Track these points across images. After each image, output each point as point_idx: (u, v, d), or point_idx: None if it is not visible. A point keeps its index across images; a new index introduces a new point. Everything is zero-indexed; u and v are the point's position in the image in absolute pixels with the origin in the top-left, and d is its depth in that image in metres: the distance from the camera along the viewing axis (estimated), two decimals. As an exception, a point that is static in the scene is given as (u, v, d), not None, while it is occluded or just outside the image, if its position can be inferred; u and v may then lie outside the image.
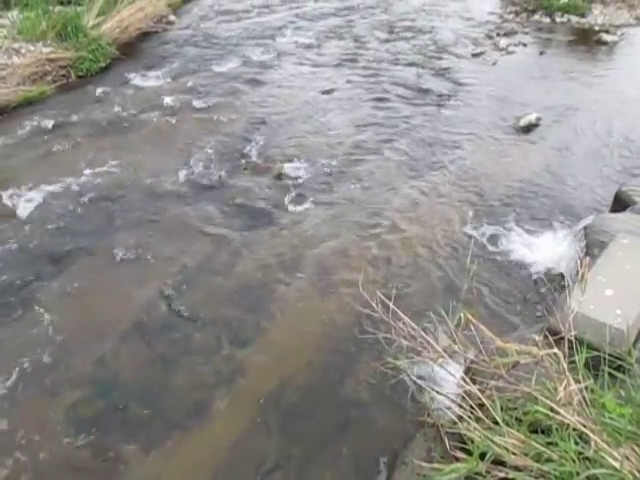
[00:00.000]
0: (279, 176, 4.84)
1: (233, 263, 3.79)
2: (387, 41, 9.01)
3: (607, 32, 8.99)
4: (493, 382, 2.01)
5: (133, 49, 8.63)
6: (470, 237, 3.92)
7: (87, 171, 4.91)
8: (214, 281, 3.64)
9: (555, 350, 1.90)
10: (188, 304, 3.42)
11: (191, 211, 4.38)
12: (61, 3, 8.70)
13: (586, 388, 1.86)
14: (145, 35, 9.33)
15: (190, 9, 11.62)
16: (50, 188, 4.62)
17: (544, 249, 3.71)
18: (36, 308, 3.42)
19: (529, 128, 5.66)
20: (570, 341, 1.99)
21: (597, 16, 9.90)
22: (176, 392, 2.87)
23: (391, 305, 2.21)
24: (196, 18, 10.78)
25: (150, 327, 3.28)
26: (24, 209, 4.40)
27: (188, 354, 3.09)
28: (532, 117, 5.72)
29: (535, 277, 3.56)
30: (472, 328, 2.13)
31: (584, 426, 1.73)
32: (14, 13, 8.08)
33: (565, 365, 1.86)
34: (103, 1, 8.38)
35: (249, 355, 3.07)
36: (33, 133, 5.68)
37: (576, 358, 1.94)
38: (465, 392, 2.08)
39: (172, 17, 10.53)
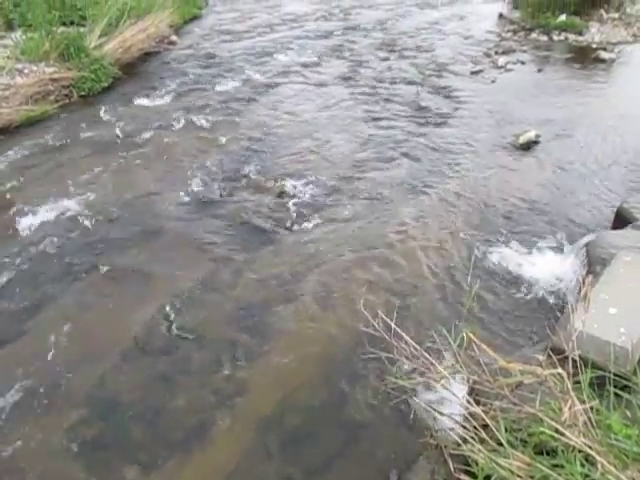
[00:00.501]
0: (280, 194, 4.85)
1: (234, 282, 3.77)
2: (386, 59, 9.10)
3: (605, 50, 9.07)
4: (497, 403, 1.99)
5: (135, 69, 8.72)
6: (471, 255, 3.91)
7: (88, 190, 4.92)
8: (215, 300, 3.62)
9: (559, 370, 1.88)
10: (189, 323, 3.41)
11: (192, 230, 4.38)
12: (64, 24, 8.82)
13: (591, 408, 1.84)
14: (147, 55, 9.45)
15: (192, 29, 11.77)
16: (51, 207, 4.63)
17: (546, 266, 3.70)
18: (36, 327, 3.41)
19: (529, 145, 5.68)
20: (574, 360, 1.97)
21: (594, 34, 10.01)
22: (177, 413, 2.84)
23: (393, 325, 2.19)
24: (198, 38, 10.92)
25: (151, 347, 3.26)
26: (25, 228, 4.40)
27: (189, 374, 3.07)
28: (531, 134, 5.75)
29: (537, 295, 3.54)
30: (475, 348, 2.11)
31: (590, 448, 1.70)
32: (17, 34, 8.19)
33: (570, 385, 1.84)
34: (106, 22, 8.48)
35: (250, 375, 3.04)
36: (35, 152, 5.71)
37: (580, 378, 1.92)
38: (469, 413, 2.05)
39: (174, 37, 10.66)
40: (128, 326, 3.40)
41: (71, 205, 4.69)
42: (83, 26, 8.81)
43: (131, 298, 3.65)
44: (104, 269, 3.92)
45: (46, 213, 4.57)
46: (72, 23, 9.11)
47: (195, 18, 12.77)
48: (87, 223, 4.47)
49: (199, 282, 3.78)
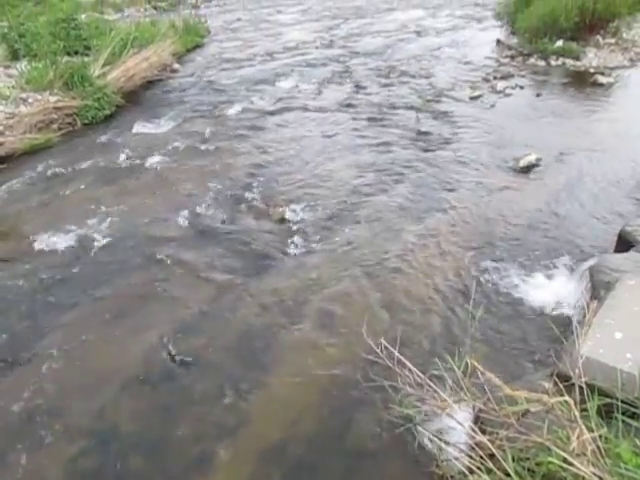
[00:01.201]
0: (281, 220, 4.86)
1: (235, 309, 3.75)
2: (386, 85, 9.20)
3: (602, 74, 9.17)
4: (503, 431, 1.95)
5: (138, 97, 8.84)
6: (473, 279, 3.88)
7: (90, 218, 4.94)
8: (216, 327, 3.60)
9: (566, 397, 1.85)
10: (190, 352, 3.37)
11: (193, 256, 4.38)
12: (68, 54, 8.98)
13: (600, 437, 1.81)
14: (150, 83, 9.58)
15: (194, 58, 11.96)
16: (53, 235, 4.64)
17: (549, 290, 3.67)
18: (35, 357, 3.38)
19: (529, 168, 5.70)
20: (581, 387, 1.94)
21: (592, 59, 10.13)
22: (178, 443, 2.80)
23: (396, 353, 2.16)
24: (200, 66, 11.08)
25: (151, 376, 3.22)
26: (26, 256, 4.40)
27: (190, 404, 3.03)
28: (531, 158, 5.77)
29: (541, 319, 3.50)
30: (479, 374, 2.09)
31: (600, 478, 1.66)
32: (22, 64, 8.32)
33: (577, 413, 1.81)
34: (110, 52, 8.62)
35: (252, 404, 3.00)
36: (38, 180, 5.75)
37: (588, 405, 1.89)
38: (475, 442, 2.02)
39: (176, 65, 10.84)
40: (128, 355, 3.37)
41: (72, 232, 4.70)
42: (87, 55, 8.97)
43: (132, 326, 3.63)
44: (104, 297, 3.91)
45: (47, 241, 4.58)
46: (76, 53, 9.28)
47: (197, 47, 13.00)
48: (88, 250, 4.48)
49: (200, 309, 3.76)
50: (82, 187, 5.60)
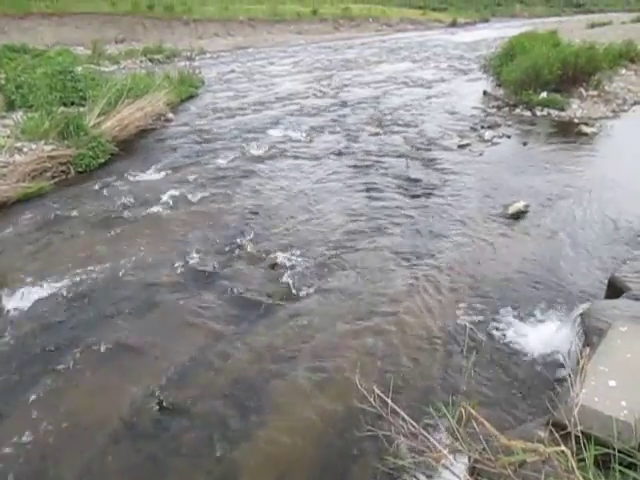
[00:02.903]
0: (273, 266, 4.86)
1: (227, 357, 3.70)
2: (376, 134, 9.41)
3: (586, 124, 9.46)
4: (500, 483, 1.91)
5: (132, 145, 8.96)
6: (466, 326, 3.87)
7: (81, 266, 4.90)
8: (207, 376, 3.53)
9: (562, 447, 1.82)
10: (180, 401, 3.30)
11: (185, 303, 4.34)
12: (64, 104, 9.14)
13: (598, 489, 1.77)
14: (144, 132, 9.73)
15: (188, 107, 12.20)
16: (44, 284, 4.59)
17: (542, 337, 3.66)
18: (20, 408, 3.28)
19: (518, 215, 5.78)
20: (577, 436, 1.92)
21: (576, 110, 10.46)
22: (165, 499, 2.71)
23: (389, 402, 2.13)
24: (193, 115, 11.30)
25: (140, 426, 3.14)
26: (16, 305, 4.34)
27: (179, 455, 2.94)
28: (520, 205, 5.87)
29: (535, 366, 3.48)
30: (474, 424, 2.05)
31: (599, 532, 1.62)
32: (18, 114, 8.46)
33: (574, 464, 1.78)
34: (105, 102, 8.78)
35: (242, 455, 2.92)
36: (30, 229, 5.74)
37: (585, 455, 1.86)
38: (471, 495, 1.97)
39: (170, 115, 11.04)
40: (116, 405, 3.29)
41: (62, 281, 4.65)
42: (83, 106, 9.14)
43: (120, 376, 3.56)
44: (93, 346, 3.84)
45: (38, 290, 4.52)
46: (72, 103, 9.45)
47: (191, 97, 13.28)
48: (78, 298, 4.42)
49: (190, 357, 3.70)
50: (73, 235, 5.59)
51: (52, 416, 3.21)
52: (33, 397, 3.36)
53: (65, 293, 4.49)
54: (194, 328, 4.03)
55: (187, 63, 17.76)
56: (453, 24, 45.02)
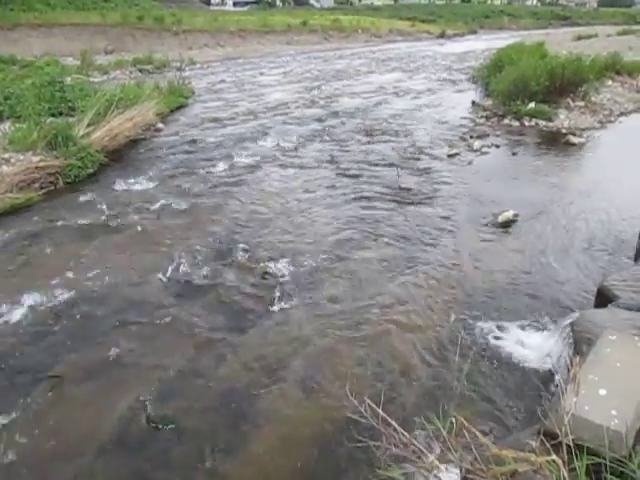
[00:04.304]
0: (263, 275, 4.84)
1: (216, 368, 3.67)
2: (367, 143, 9.44)
3: (574, 134, 9.57)
4: (492, 494, 1.90)
5: (121, 155, 8.92)
6: (456, 336, 3.87)
7: (69, 277, 4.85)
8: (196, 387, 3.50)
9: (554, 457, 1.82)
10: (169, 413, 3.26)
11: (174, 314, 4.30)
12: (53, 115, 9.09)
13: (590, 498, 1.77)
14: (133, 142, 9.70)
15: (178, 117, 12.18)
16: (31, 296, 4.52)
17: (532, 346, 3.67)
18: (7, 425, 3.22)
19: (507, 224, 5.81)
20: (568, 445, 1.91)
21: (563, 120, 10.58)
22: (153, 513, 2.66)
23: (380, 412, 2.12)
24: (183, 125, 11.28)
25: (128, 440, 3.10)
26: (3, 317, 4.28)
27: (168, 469, 2.91)
28: (509, 214, 5.90)
29: (525, 375, 3.49)
30: (466, 433, 2.05)
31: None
32: (6, 125, 8.40)
33: (566, 473, 1.78)
34: (94, 112, 8.74)
35: (233, 468, 2.89)
36: (17, 240, 5.67)
37: (576, 464, 1.86)
38: (463, 505, 1.96)
39: (160, 125, 11.02)
40: (104, 419, 3.24)
41: (49, 293, 4.58)
42: (72, 116, 9.08)
43: (108, 389, 3.51)
44: (79, 359, 3.79)
45: (22, 303, 4.44)
46: (61, 114, 9.39)
47: (181, 107, 13.26)
48: (65, 311, 4.37)
49: (180, 368, 3.66)
50: (61, 246, 5.54)
51: (37, 432, 3.16)
52: (18, 413, 3.30)
53: (52, 305, 4.43)
54: (183, 339, 4.00)
55: (177, 73, 17.74)
56: (442, 35, 45.49)
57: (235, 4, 60.10)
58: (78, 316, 4.31)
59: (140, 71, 20.70)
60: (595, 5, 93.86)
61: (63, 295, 4.57)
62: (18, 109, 8.95)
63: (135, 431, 3.15)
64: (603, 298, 3.46)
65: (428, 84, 16.76)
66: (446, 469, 2.09)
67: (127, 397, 3.40)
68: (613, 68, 13.90)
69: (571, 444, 1.91)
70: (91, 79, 15.90)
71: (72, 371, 3.68)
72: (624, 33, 30.61)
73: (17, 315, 4.30)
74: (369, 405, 2.22)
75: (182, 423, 3.19)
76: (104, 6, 34.27)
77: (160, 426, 3.17)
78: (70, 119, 8.67)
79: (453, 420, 2.11)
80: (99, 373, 3.66)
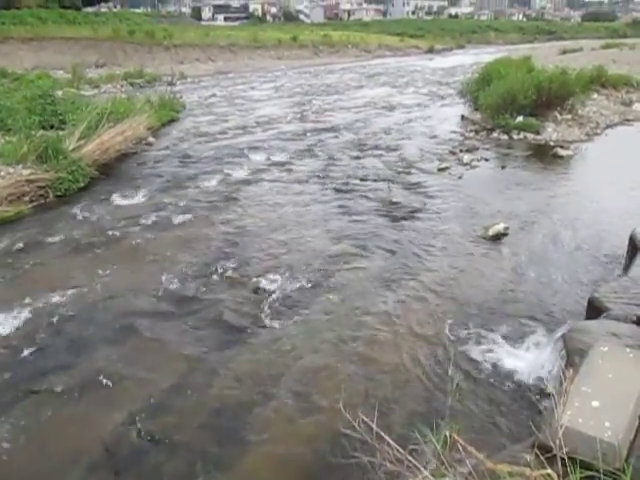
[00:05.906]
0: (255, 290, 4.83)
1: (209, 383, 3.64)
2: (357, 158, 9.49)
3: (562, 147, 9.68)
4: (487, 508, 1.89)
5: (112, 169, 8.90)
6: (449, 347, 3.87)
7: (58, 292, 4.79)
8: (188, 403, 3.47)
9: (548, 470, 1.82)
10: (161, 429, 3.23)
11: (166, 329, 4.27)
12: (44, 128, 9.06)
13: (585, 512, 1.77)
14: (124, 156, 9.69)
15: (169, 131, 12.20)
16: (19, 311, 4.47)
17: (525, 358, 3.68)
18: (-5, 440, 3.18)
19: (498, 237, 5.84)
20: (562, 458, 1.91)
21: (551, 133, 10.70)
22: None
23: (374, 427, 2.11)
24: (174, 139, 11.30)
25: (120, 456, 3.06)
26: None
27: (159, 486, 2.87)
28: (500, 227, 5.93)
29: (518, 386, 3.49)
30: (460, 447, 2.04)
31: None
32: (-4, 138, 8.36)
33: (560, 487, 1.78)
34: (85, 126, 8.73)
35: (225, 485, 2.86)
36: (6, 254, 5.62)
37: (570, 478, 1.86)
38: (458, 521, 1.95)
39: (151, 139, 11.02)
40: (95, 435, 3.20)
41: (38, 307, 4.54)
42: (63, 129, 9.07)
43: (99, 405, 3.46)
44: (70, 373, 3.75)
45: (10, 317, 4.40)
46: (52, 127, 9.37)
47: (172, 121, 13.29)
48: (55, 326, 4.32)
49: (172, 384, 3.63)
50: (50, 260, 5.50)
51: (27, 447, 3.11)
52: (7, 427, 3.25)
53: (41, 320, 4.39)
54: (175, 354, 3.96)
55: (168, 87, 17.80)
56: (430, 50, 46.08)
57: (226, 19, 60.69)
58: (67, 331, 4.26)
59: (131, 85, 20.75)
60: (579, 20, 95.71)
61: (52, 309, 4.53)
62: (9, 122, 8.92)
63: (127, 446, 3.11)
64: (594, 309, 3.48)
65: (417, 98, 16.93)
66: (441, 484, 2.08)
67: (117, 412, 3.36)
68: (598, 81, 14.11)
69: (565, 457, 1.91)
70: (82, 92, 15.93)
71: (62, 384, 3.63)
72: (608, 47, 31.15)
73: (3, 329, 4.25)
74: (363, 420, 2.21)
75: (173, 439, 3.15)
76: (95, 20, 34.48)
77: (152, 441, 3.13)
78: (61, 132, 8.66)
79: (447, 434, 2.10)
80: (89, 386, 3.61)
